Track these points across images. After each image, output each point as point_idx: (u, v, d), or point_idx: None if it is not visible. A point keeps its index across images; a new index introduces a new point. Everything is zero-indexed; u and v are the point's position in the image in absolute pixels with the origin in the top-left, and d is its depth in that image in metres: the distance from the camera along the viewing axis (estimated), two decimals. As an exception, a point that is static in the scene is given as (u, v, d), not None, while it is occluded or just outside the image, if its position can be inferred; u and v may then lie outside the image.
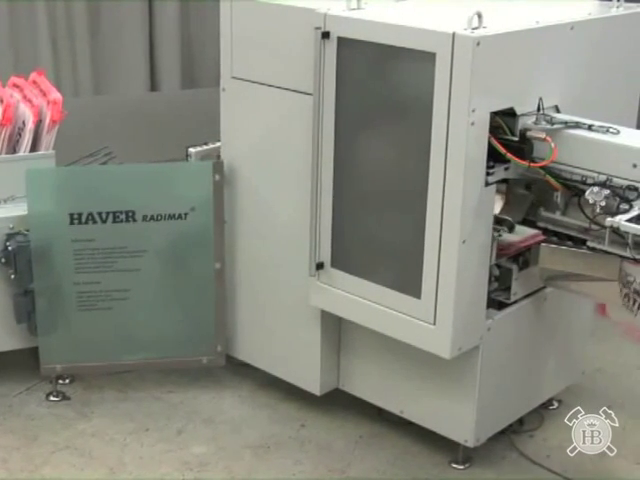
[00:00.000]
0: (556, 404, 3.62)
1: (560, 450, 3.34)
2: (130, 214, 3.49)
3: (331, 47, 2.99)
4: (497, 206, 3.05)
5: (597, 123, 2.89)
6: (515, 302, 3.19)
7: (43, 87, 3.80)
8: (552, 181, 2.90)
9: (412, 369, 3.27)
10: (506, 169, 2.94)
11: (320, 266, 3.22)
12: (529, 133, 2.88)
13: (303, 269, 3.26)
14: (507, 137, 2.91)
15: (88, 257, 3.51)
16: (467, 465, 3.31)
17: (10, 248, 3.50)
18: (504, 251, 3.09)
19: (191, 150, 3.61)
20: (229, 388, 3.77)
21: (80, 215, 3.46)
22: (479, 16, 2.74)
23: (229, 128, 3.51)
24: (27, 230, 3.51)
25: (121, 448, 3.40)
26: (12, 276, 3.53)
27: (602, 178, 2.79)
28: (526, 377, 3.37)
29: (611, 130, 2.86)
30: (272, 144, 3.39)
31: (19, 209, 3.52)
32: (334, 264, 3.20)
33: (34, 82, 3.87)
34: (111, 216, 3.48)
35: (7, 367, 3.76)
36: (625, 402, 3.65)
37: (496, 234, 3.00)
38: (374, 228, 3.10)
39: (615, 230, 2.70)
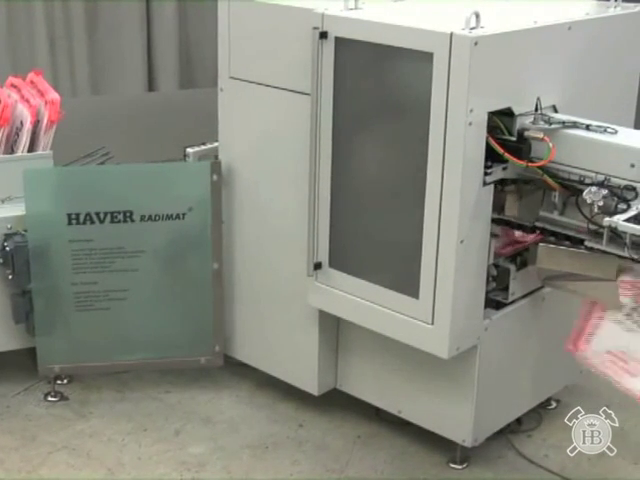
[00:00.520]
0: (554, 404, 3.63)
1: (558, 450, 3.35)
2: (128, 214, 3.49)
3: (329, 47, 2.99)
4: (514, 208, 3.03)
5: (595, 123, 2.88)
6: (513, 302, 3.20)
7: (41, 87, 3.80)
8: (550, 181, 2.90)
9: (410, 369, 3.27)
10: (504, 169, 2.94)
11: (318, 266, 3.22)
12: (527, 133, 2.88)
13: (301, 269, 3.26)
14: (505, 137, 2.90)
15: (86, 257, 3.51)
16: (465, 465, 3.31)
17: (8, 248, 3.49)
18: (502, 251, 3.10)
19: (189, 150, 3.61)
20: (227, 388, 3.77)
21: (78, 215, 3.46)
22: (477, 16, 2.74)
23: (227, 128, 3.51)
24: (25, 230, 3.50)
25: (119, 448, 3.40)
26: (10, 276, 3.53)
27: (600, 178, 2.79)
28: (524, 377, 3.37)
29: (609, 130, 2.85)
30: (270, 144, 3.39)
31: (17, 209, 3.52)
32: (332, 264, 3.20)
33: (32, 82, 3.86)
34: (109, 216, 3.48)
35: (5, 367, 3.76)
36: (623, 402, 3.64)
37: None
38: (372, 228, 3.10)
39: (613, 230, 2.70)
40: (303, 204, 3.21)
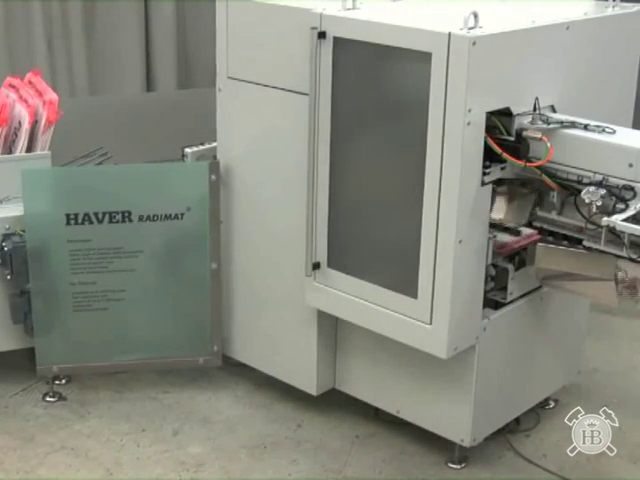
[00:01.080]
0: (553, 404, 3.63)
1: (557, 449, 3.35)
2: (126, 214, 3.48)
3: (327, 47, 2.99)
4: (501, 210, 3.04)
5: (593, 123, 2.89)
6: (511, 302, 3.20)
7: (39, 87, 3.80)
8: (548, 181, 2.90)
9: (408, 369, 3.27)
10: (502, 169, 2.94)
11: (316, 266, 3.22)
12: (525, 133, 2.88)
13: (299, 269, 3.26)
14: (503, 137, 2.91)
15: (84, 257, 3.51)
16: (463, 465, 3.31)
17: (6, 248, 3.49)
18: (500, 251, 3.10)
19: (187, 150, 3.61)
20: (225, 388, 3.77)
21: (76, 215, 3.46)
22: (475, 16, 2.74)
23: (225, 128, 3.51)
24: (23, 230, 3.50)
25: (117, 449, 3.40)
26: (8, 277, 3.52)
27: (598, 178, 2.79)
28: (522, 376, 3.37)
29: (607, 130, 2.86)
30: (268, 144, 3.39)
31: (15, 209, 3.52)
32: (330, 264, 3.20)
33: (30, 82, 3.86)
34: (107, 216, 3.47)
35: (3, 368, 3.76)
36: (621, 401, 3.65)
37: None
38: (370, 228, 3.10)
39: (611, 230, 2.70)
40: (301, 204, 3.21)
